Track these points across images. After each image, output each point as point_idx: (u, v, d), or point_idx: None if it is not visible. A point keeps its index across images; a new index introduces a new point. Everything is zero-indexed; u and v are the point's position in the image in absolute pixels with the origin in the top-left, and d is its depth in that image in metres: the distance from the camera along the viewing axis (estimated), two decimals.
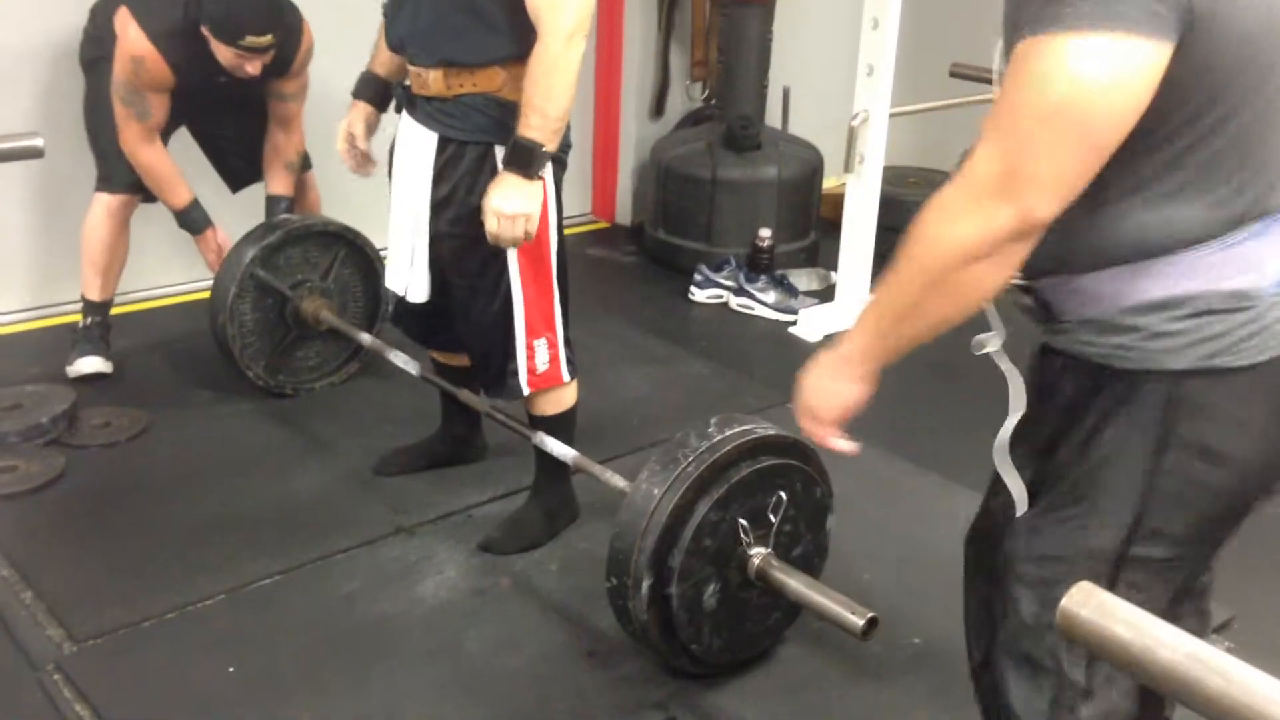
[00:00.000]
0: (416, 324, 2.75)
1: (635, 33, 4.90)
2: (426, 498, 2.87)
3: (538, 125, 2.25)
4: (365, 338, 3.20)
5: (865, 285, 3.97)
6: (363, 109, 2.68)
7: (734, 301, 4.21)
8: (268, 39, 3.04)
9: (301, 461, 3.03)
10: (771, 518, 2.14)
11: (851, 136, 3.85)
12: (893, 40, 3.73)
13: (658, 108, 5.06)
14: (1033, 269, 1.39)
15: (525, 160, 2.27)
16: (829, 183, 4.80)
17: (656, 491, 2.07)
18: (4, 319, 3.76)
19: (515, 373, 2.53)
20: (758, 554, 2.13)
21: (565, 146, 2.44)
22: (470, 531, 2.73)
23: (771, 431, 2.18)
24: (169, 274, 3.99)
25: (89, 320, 3.45)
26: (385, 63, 2.64)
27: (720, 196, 4.41)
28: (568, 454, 2.54)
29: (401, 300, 2.62)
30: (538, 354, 2.53)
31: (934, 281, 1.34)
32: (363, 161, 2.73)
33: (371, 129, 2.71)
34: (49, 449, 2.99)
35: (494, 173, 2.35)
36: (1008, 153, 1.28)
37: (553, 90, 2.23)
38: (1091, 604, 1.02)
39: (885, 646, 2.35)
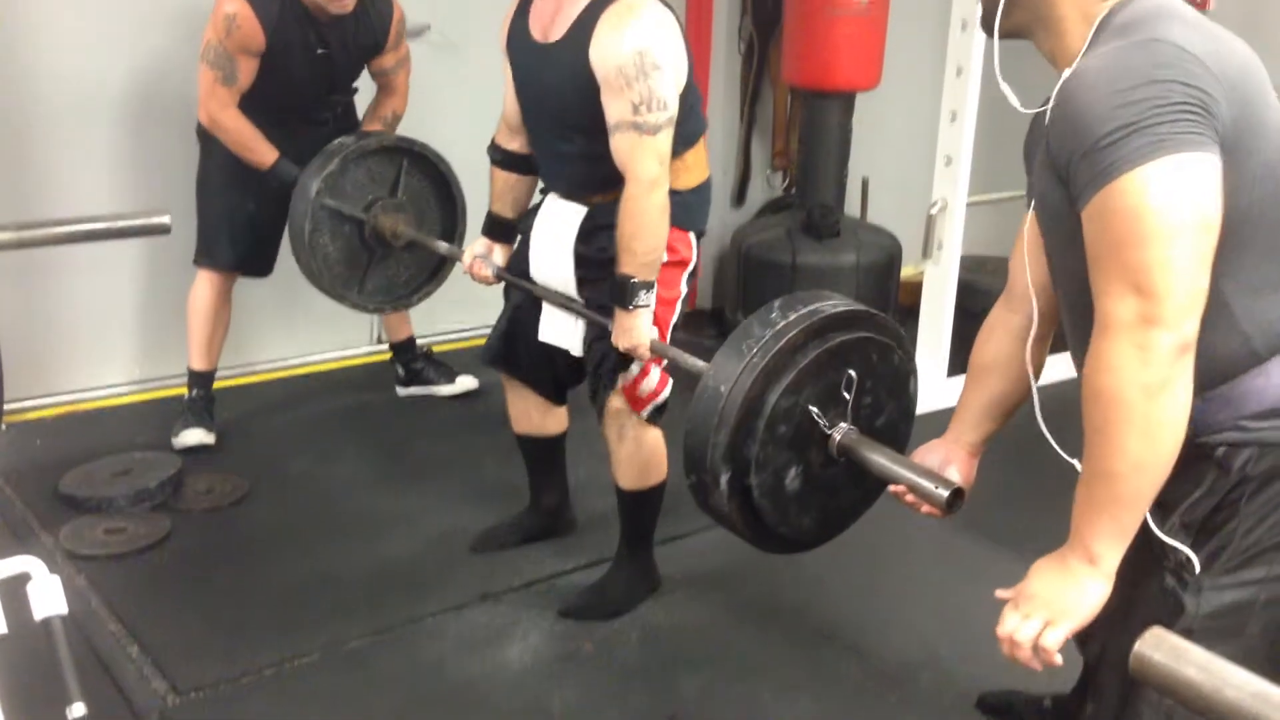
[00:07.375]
0: (522, 357, 2.83)
1: (718, 124, 5.03)
2: (512, 566, 2.95)
3: (628, 261, 2.46)
4: (443, 246, 3.23)
5: (943, 370, 4.01)
6: (494, 246, 2.86)
7: None
8: None
9: (392, 529, 3.14)
10: (845, 395, 2.02)
11: (930, 225, 3.93)
12: (970, 132, 3.83)
13: (739, 196, 5.19)
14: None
15: (618, 294, 2.48)
16: (907, 270, 4.87)
17: (724, 389, 1.98)
18: (114, 390, 3.95)
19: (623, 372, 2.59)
20: (839, 430, 2.01)
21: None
22: (554, 599, 2.80)
23: (841, 308, 2.08)
24: (266, 350, 4.17)
25: (195, 393, 3.61)
26: (509, 203, 2.83)
27: (800, 282, 4.48)
28: (646, 352, 2.52)
29: (506, 338, 2.81)
30: (651, 373, 2.59)
31: (1142, 432, 1.43)
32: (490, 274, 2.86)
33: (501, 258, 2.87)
34: (156, 513, 3.13)
35: None
36: (1140, 287, 1.41)
37: (640, 230, 2.44)
38: (1164, 648, 1.08)
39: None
